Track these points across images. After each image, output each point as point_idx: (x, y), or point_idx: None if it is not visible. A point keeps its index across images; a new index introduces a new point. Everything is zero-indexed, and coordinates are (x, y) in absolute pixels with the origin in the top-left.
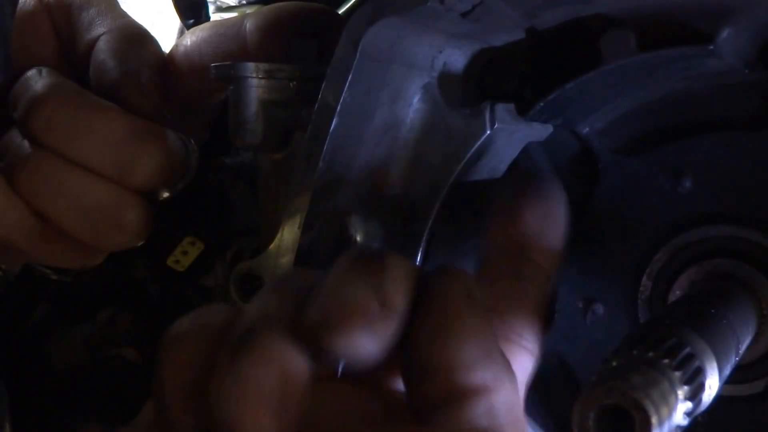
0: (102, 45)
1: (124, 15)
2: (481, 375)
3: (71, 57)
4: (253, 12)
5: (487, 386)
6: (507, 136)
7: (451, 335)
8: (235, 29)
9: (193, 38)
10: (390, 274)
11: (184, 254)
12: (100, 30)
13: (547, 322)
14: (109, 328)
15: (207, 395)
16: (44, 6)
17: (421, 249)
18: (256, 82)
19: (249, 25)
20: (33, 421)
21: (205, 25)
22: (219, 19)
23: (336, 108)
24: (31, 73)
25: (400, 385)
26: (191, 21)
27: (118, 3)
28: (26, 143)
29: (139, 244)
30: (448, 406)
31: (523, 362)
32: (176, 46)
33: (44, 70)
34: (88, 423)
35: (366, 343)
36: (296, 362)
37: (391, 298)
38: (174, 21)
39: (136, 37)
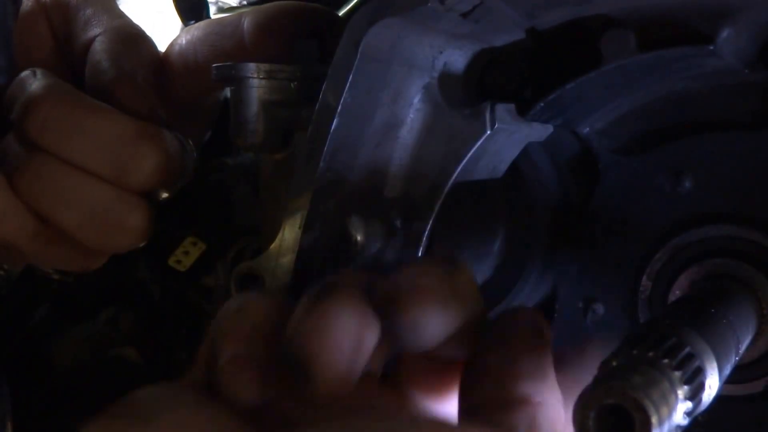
0: (97, 45)
1: (121, 15)
2: (531, 388)
3: (68, 57)
4: (251, 10)
5: (535, 400)
6: (507, 137)
7: (514, 349)
8: (231, 28)
9: (188, 37)
10: (463, 276)
11: (186, 254)
12: (96, 30)
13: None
14: (111, 328)
15: (285, 336)
16: (41, 6)
17: (421, 249)
18: (257, 82)
19: (247, 22)
20: (34, 421)
21: (201, 23)
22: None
23: (337, 108)
24: (25, 74)
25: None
26: (192, 22)
27: (115, 3)
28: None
29: (141, 245)
30: (496, 408)
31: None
32: (171, 45)
33: (38, 72)
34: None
35: (431, 321)
36: (369, 318)
37: (461, 293)
38: (175, 22)
39: (132, 38)
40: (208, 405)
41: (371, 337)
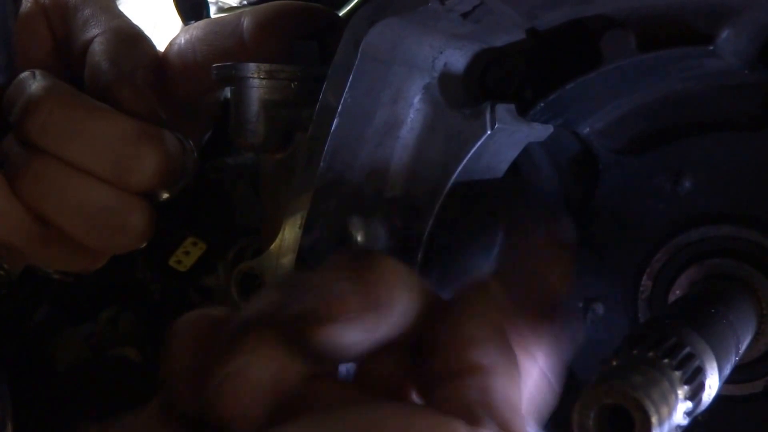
0: (96, 46)
1: (120, 15)
2: (480, 355)
3: (67, 57)
4: (251, 9)
5: (485, 366)
6: (507, 137)
7: (461, 318)
8: (231, 27)
9: (187, 36)
10: (377, 272)
11: (186, 254)
12: (94, 31)
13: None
14: (111, 328)
15: (205, 384)
16: (40, 6)
17: (421, 249)
18: (257, 82)
19: (247, 22)
20: (35, 421)
21: (200, 23)
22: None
23: (337, 108)
24: (25, 75)
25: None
26: (193, 22)
27: (114, 3)
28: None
29: (142, 246)
30: (446, 380)
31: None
32: (170, 45)
33: (38, 73)
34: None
35: (347, 336)
36: (286, 358)
37: (376, 294)
38: (176, 22)
39: (131, 38)
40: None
41: (289, 377)
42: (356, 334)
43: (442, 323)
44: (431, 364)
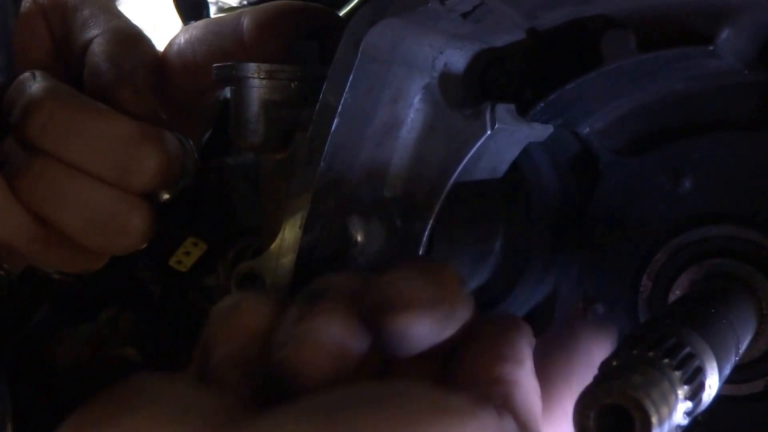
0: (96, 47)
1: (119, 15)
2: (506, 369)
3: (66, 58)
4: (251, 9)
5: (510, 379)
6: (507, 137)
7: (494, 339)
8: (231, 27)
9: (187, 36)
10: (447, 277)
11: (187, 255)
12: (93, 31)
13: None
14: (111, 328)
15: (273, 345)
16: (39, 7)
17: (421, 249)
18: (257, 82)
19: (247, 22)
20: (35, 421)
21: (199, 23)
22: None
23: (337, 108)
24: (25, 76)
25: None
26: (193, 22)
27: (113, 3)
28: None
29: (143, 246)
30: (474, 386)
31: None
32: (169, 45)
33: (38, 74)
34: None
35: (419, 328)
36: (356, 328)
37: (447, 296)
38: (176, 22)
39: (130, 38)
40: (200, 392)
41: (357, 347)
42: (426, 328)
43: (477, 338)
44: (459, 373)
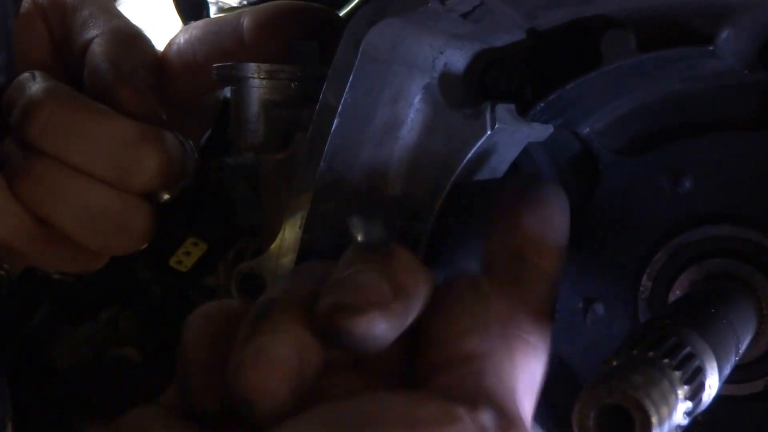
0: (95, 47)
1: (118, 15)
2: (473, 342)
3: (65, 58)
4: (251, 9)
5: (478, 352)
6: (508, 137)
7: (452, 311)
8: (230, 27)
9: (187, 36)
10: (399, 262)
11: (187, 255)
12: (93, 32)
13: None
14: (111, 328)
15: (227, 367)
16: (38, 7)
17: (421, 249)
18: (257, 82)
19: (247, 22)
20: (35, 421)
21: (199, 23)
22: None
23: (337, 108)
24: (24, 77)
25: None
26: (192, 22)
27: (113, 3)
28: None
29: (143, 247)
30: (444, 369)
31: (528, 358)
32: (169, 45)
33: (37, 74)
34: (89, 423)
35: (380, 326)
36: (311, 339)
37: (403, 283)
38: (176, 22)
39: (129, 39)
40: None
41: (314, 359)
42: (388, 325)
43: (437, 313)
44: (428, 353)
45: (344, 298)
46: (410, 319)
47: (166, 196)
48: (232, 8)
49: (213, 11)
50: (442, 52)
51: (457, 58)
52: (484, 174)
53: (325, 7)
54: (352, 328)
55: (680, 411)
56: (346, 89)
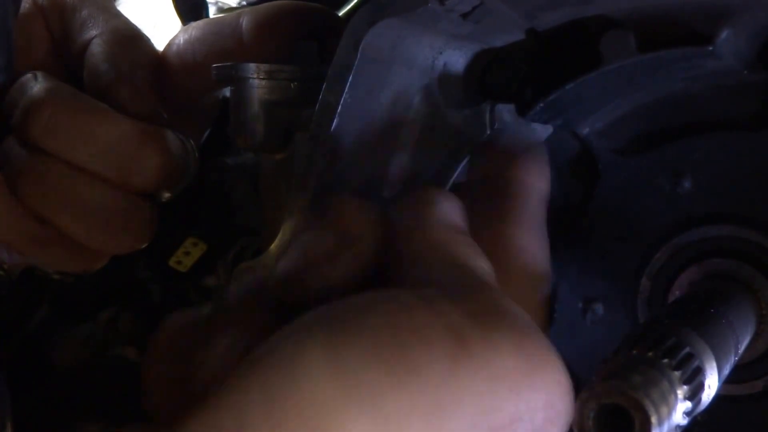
0: (95, 47)
1: (118, 15)
2: (424, 273)
3: (65, 58)
4: (250, 9)
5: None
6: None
7: (402, 236)
8: (230, 27)
9: (186, 36)
10: (337, 211)
11: (187, 255)
12: (92, 32)
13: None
14: (111, 329)
15: (191, 367)
16: (38, 7)
17: None
18: (257, 82)
19: (246, 22)
20: (34, 421)
21: (199, 23)
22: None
23: (337, 108)
24: (26, 77)
25: None
26: (193, 22)
27: (112, 3)
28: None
29: (144, 246)
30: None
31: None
32: (169, 45)
33: (39, 75)
34: (89, 423)
35: (334, 276)
36: (265, 326)
37: (348, 233)
38: (176, 22)
39: (129, 38)
40: None
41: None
42: (341, 271)
43: (391, 244)
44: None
45: (296, 272)
46: (367, 255)
47: (167, 196)
48: (231, 8)
49: (213, 11)
50: (441, 53)
51: (457, 59)
52: None
53: (324, 7)
54: (309, 295)
55: (680, 411)
56: (346, 89)
